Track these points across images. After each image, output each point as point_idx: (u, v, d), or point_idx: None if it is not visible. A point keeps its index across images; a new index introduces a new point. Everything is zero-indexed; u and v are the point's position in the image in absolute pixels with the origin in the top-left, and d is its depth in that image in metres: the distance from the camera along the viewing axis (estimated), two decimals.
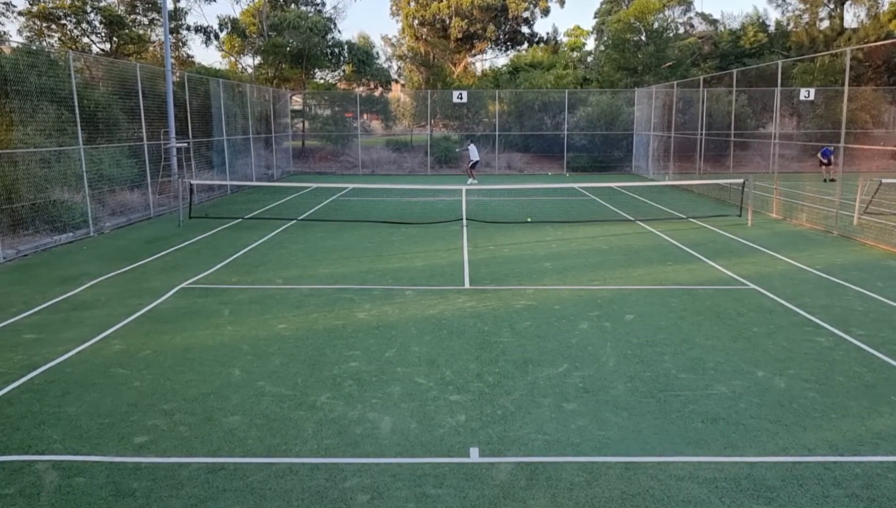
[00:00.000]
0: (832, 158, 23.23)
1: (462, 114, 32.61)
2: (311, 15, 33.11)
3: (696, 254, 11.48)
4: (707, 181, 19.53)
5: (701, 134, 22.00)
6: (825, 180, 22.30)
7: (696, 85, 24.03)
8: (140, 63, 18.40)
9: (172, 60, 22.91)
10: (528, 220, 15.39)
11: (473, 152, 24.10)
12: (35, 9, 25.01)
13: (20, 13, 25.46)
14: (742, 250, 11.91)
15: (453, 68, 42.06)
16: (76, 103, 13.26)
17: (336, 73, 36.63)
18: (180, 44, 31.36)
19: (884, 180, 15.83)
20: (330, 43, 34.04)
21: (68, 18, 25.88)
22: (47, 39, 25.72)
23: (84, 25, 26.38)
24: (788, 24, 37.88)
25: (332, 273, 10.21)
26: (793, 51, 34.86)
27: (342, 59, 35.24)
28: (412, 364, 6.43)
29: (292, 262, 11.01)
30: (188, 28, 31.65)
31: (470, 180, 23.41)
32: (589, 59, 40.90)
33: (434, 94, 32.16)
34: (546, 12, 43.46)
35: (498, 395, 5.71)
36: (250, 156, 23.87)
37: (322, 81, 36.37)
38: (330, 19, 34.15)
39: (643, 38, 33.64)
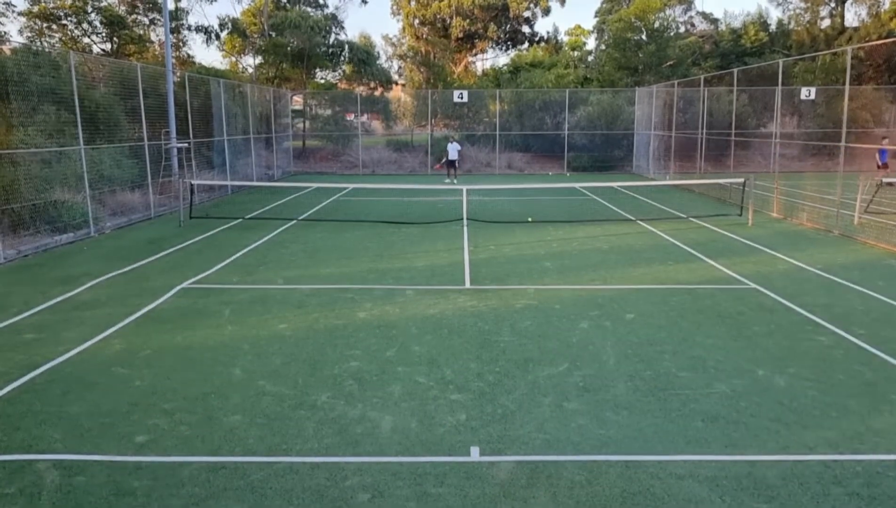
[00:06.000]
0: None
1: (463, 113, 32.59)
2: (312, 14, 33.12)
3: (697, 253, 11.47)
4: (708, 181, 19.53)
5: (701, 133, 21.99)
6: None
7: (697, 84, 24.01)
8: (141, 63, 18.41)
9: (173, 60, 22.92)
10: (529, 220, 15.39)
11: (451, 151, 24.52)
12: (36, 9, 25.03)
13: (21, 13, 25.49)
14: (743, 249, 11.90)
15: (454, 68, 42.04)
16: (77, 104, 13.27)
17: (336, 72, 36.64)
18: (181, 44, 31.36)
19: (884, 180, 15.83)
20: (331, 43, 34.05)
21: (69, 19, 25.90)
22: (48, 40, 25.73)
23: (85, 26, 26.40)
24: (789, 23, 37.84)
25: (332, 273, 10.22)
26: (794, 50, 34.83)
27: (343, 59, 35.24)
28: (413, 364, 6.43)
29: (293, 262, 11.01)
30: (189, 28, 31.69)
31: (447, 180, 23.82)
32: (590, 58, 40.84)
33: (434, 93, 32.14)
34: (547, 12, 43.46)
35: (498, 394, 5.72)
36: (251, 156, 23.88)
37: (323, 81, 36.38)
38: (334, 17, 34.16)
39: (644, 37, 33.61)
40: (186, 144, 18.49)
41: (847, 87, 13.91)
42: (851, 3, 36.65)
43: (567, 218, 15.63)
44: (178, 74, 21.20)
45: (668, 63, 32.96)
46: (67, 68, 13.66)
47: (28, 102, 13.31)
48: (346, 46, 34.99)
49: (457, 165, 25.07)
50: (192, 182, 16.56)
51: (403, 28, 42.96)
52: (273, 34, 31.78)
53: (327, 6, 35.85)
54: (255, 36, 32.79)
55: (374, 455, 4.71)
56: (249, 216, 16.05)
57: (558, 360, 6.50)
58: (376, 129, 35.90)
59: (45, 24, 25.60)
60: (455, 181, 23.66)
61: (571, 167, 29.40)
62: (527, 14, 43.15)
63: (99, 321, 7.76)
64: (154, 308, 8.29)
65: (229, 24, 32.48)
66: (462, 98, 29.99)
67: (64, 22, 25.92)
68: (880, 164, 22.23)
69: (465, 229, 14.15)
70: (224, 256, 11.41)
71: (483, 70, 44.97)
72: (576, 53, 41.29)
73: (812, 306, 8.24)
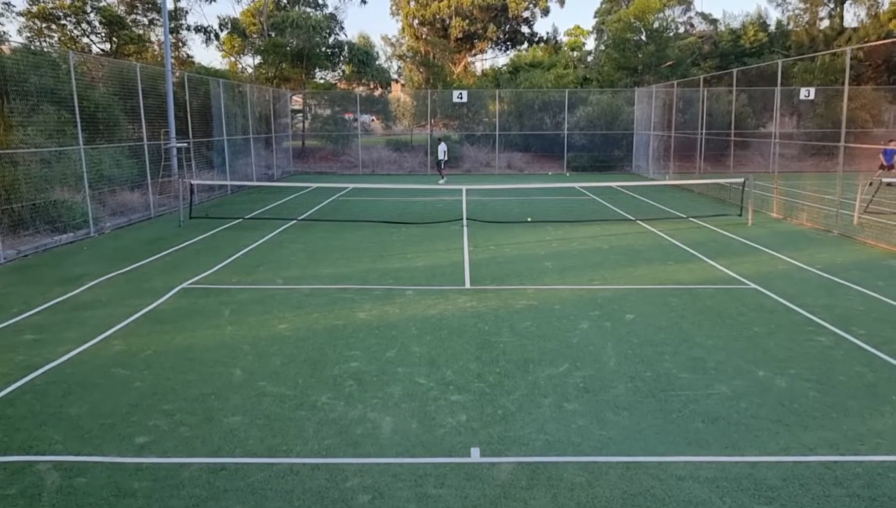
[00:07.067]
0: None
1: (462, 114, 32.60)
2: (313, 14, 33.11)
3: (697, 253, 11.48)
4: (707, 181, 19.53)
5: (701, 133, 21.99)
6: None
7: (697, 84, 24.02)
8: (140, 63, 18.40)
9: (172, 61, 22.90)
10: (529, 220, 15.39)
11: (440, 151, 25.54)
12: (35, 9, 25.00)
13: (20, 13, 25.47)
14: (742, 249, 11.91)
15: (453, 68, 42.05)
16: (76, 104, 13.26)
17: (336, 72, 36.63)
18: (180, 44, 31.34)
19: (884, 180, 15.85)
20: (331, 43, 34.05)
21: (68, 19, 25.87)
22: (47, 40, 25.70)
23: (84, 26, 26.37)
24: (789, 24, 37.84)
25: (332, 273, 10.21)
26: (793, 50, 34.83)
27: (342, 59, 35.25)
28: (413, 364, 6.43)
29: (293, 262, 11.01)
30: (188, 28, 31.67)
31: (440, 180, 24.35)
32: (589, 58, 40.86)
33: (434, 93, 32.14)
34: (546, 12, 43.49)
35: (499, 395, 5.71)
36: (250, 156, 23.87)
37: (322, 81, 36.37)
38: (333, 17, 34.16)
39: (643, 37, 33.62)
40: (186, 144, 18.48)
41: (846, 87, 13.91)
42: (850, 4, 36.68)
43: (567, 218, 15.63)
44: (177, 73, 21.19)
45: (668, 63, 32.97)
46: (67, 68, 13.66)
47: (27, 102, 13.31)
48: (346, 46, 35.00)
49: (442, 165, 25.89)
50: (192, 182, 16.55)
51: (403, 28, 42.98)
52: (273, 34, 31.76)
53: (326, 6, 35.87)
54: (255, 36, 32.77)
55: (374, 456, 4.71)
56: (249, 216, 16.04)
57: (558, 361, 6.50)
58: (376, 129, 35.90)
59: (44, 24, 25.57)
60: (445, 180, 24.06)
61: (571, 167, 29.41)
62: (526, 14, 43.18)
63: (99, 321, 7.75)
64: (154, 309, 8.29)
65: (229, 25, 32.46)
66: (461, 98, 30.01)
67: (63, 22, 25.89)
68: (885, 164, 21.97)
69: (465, 229, 14.15)
70: (224, 256, 11.40)
71: (482, 70, 45.00)
72: (575, 54, 41.32)
73: (812, 306, 8.24)
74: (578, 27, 44.89)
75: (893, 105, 31.70)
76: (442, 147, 25.72)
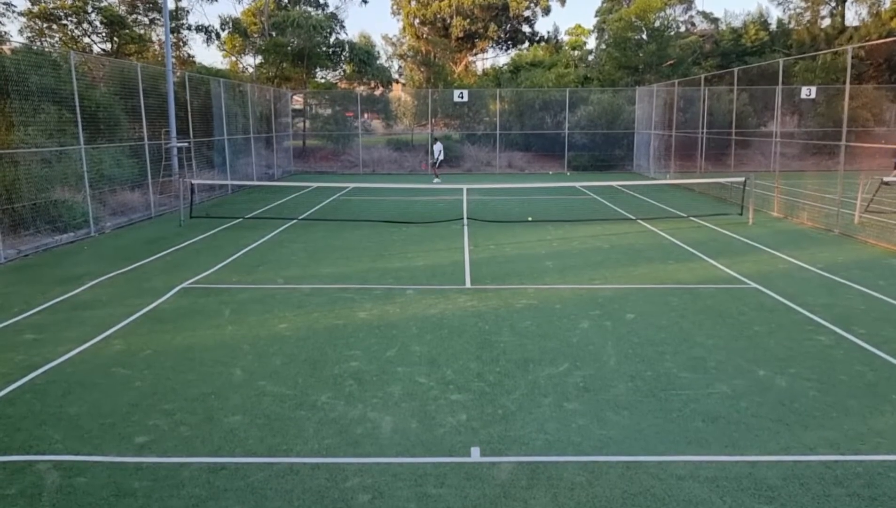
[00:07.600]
0: None
1: (463, 113, 32.59)
2: (314, 14, 33.13)
3: (698, 253, 11.47)
4: (708, 180, 19.51)
5: (702, 132, 21.97)
6: None
7: (698, 83, 24.00)
8: (141, 63, 18.41)
9: (173, 60, 22.91)
10: (529, 219, 15.38)
11: (436, 151, 25.67)
12: (36, 9, 25.01)
13: (21, 13, 25.47)
14: (743, 248, 11.89)
15: (454, 67, 42.03)
16: (77, 103, 13.26)
17: (337, 72, 36.64)
18: (181, 43, 31.35)
19: (885, 179, 15.83)
20: (331, 42, 34.07)
21: (69, 19, 25.87)
22: (48, 40, 25.71)
23: (85, 25, 26.38)
24: (790, 23, 37.80)
25: (333, 273, 10.21)
26: (794, 49, 34.78)
27: (343, 58, 35.26)
28: (413, 364, 6.43)
29: (293, 261, 11.01)
30: (189, 28, 31.67)
31: (435, 179, 24.42)
32: (590, 57, 40.83)
33: (435, 93, 32.14)
34: (547, 11, 43.47)
35: (499, 394, 5.71)
36: (251, 155, 23.87)
37: (323, 81, 36.38)
38: (334, 16, 34.16)
39: (644, 36, 33.59)
40: (186, 144, 18.48)
41: (847, 86, 13.88)
42: (852, 3, 36.64)
43: (567, 217, 15.62)
44: (178, 73, 21.20)
45: (669, 62, 32.94)
46: (68, 68, 13.67)
47: (29, 102, 13.31)
48: (347, 46, 35.00)
49: (436, 164, 26.05)
50: (193, 182, 16.56)
51: (404, 28, 42.95)
52: (273, 34, 31.77)
53: (327, 6, 35.86)
54: (256, 36, 32.78)
55: (374, 456, 4.71)
56: (249, 216, 16.04)
57: (559, 360, 6.50)
58: (376, 128, 35.91)
59: (45, 24, 25.56)
60: (439, 179, 24.15)
61: (572, 166, 29.40)
62: (527, 13, 43.16)
63: (99, 321, 7.76)
64: (154, 308, 8.29)
65: (230, 24, 32.47)
66: (462, 98, 30.01)
67: (64, 22, 25.89)
68: None
69: (466, 228, 14.15)
70: (224, 255, 11.41)
71: (483, 69, 44.97)
72: (576, 53, 41.27)
73: (813, 305, 8.24)
74: (579, 26, 44.80)
75: (895, 104, 31.65)
76: (437, 147, 25.76)
